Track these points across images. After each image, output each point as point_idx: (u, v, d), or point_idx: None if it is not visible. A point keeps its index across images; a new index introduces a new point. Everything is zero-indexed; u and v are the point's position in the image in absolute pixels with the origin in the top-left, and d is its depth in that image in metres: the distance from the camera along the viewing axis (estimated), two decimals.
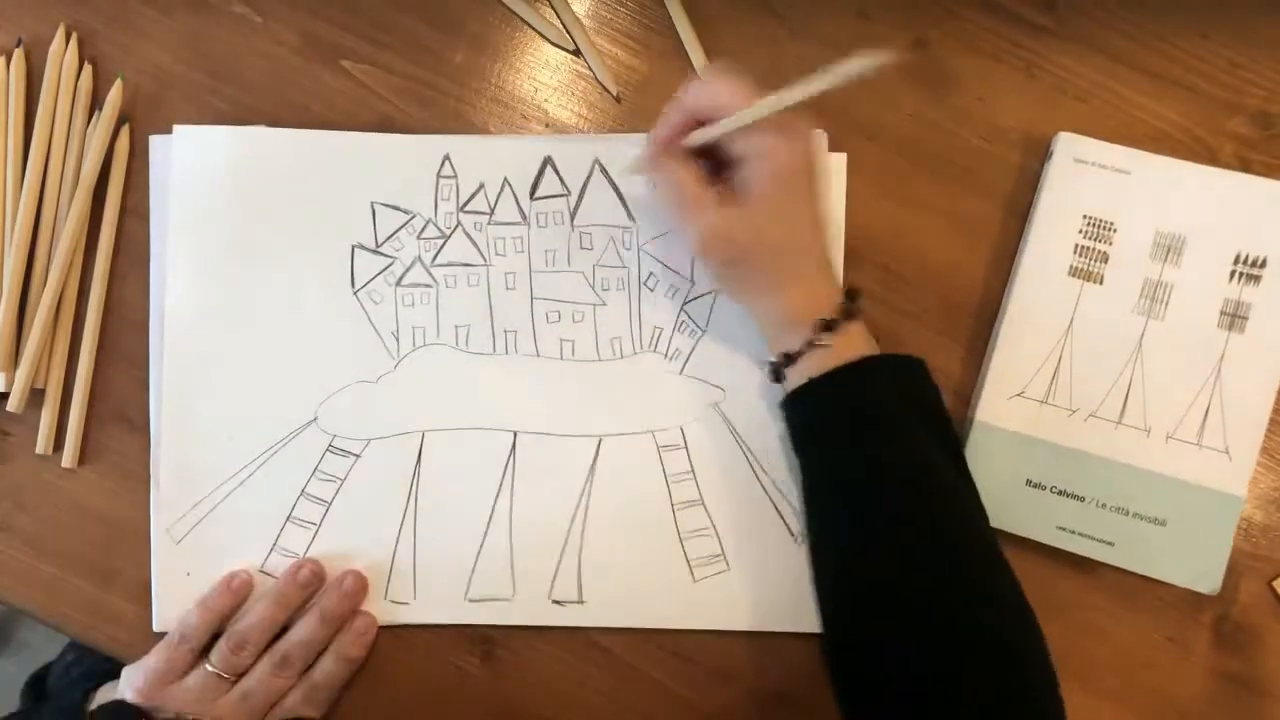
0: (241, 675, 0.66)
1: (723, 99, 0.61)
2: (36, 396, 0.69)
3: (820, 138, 0.70)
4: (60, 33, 0.70)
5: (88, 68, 0.70)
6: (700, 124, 0.63)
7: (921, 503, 0.61)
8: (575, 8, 0.72)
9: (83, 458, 0.70)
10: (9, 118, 0.69)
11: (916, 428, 0.63)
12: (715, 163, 0.64)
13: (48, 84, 0.70)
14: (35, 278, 0.69)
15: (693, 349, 0.70)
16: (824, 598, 0.66)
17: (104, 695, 0.67)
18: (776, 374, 0.65)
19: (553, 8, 0.72)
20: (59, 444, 0.70)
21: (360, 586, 0.68)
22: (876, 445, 0.62)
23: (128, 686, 0.65)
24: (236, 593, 0.68)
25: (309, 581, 0.68)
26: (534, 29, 0.72)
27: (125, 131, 0.70)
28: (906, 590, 0.60)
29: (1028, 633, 0.60)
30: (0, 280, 0.68)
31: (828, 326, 0.62)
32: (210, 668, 0.66)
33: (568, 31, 0.72)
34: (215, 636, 0.67)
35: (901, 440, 0.62)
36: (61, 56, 0.70)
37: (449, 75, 0.72)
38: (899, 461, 0.62)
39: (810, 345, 0.63)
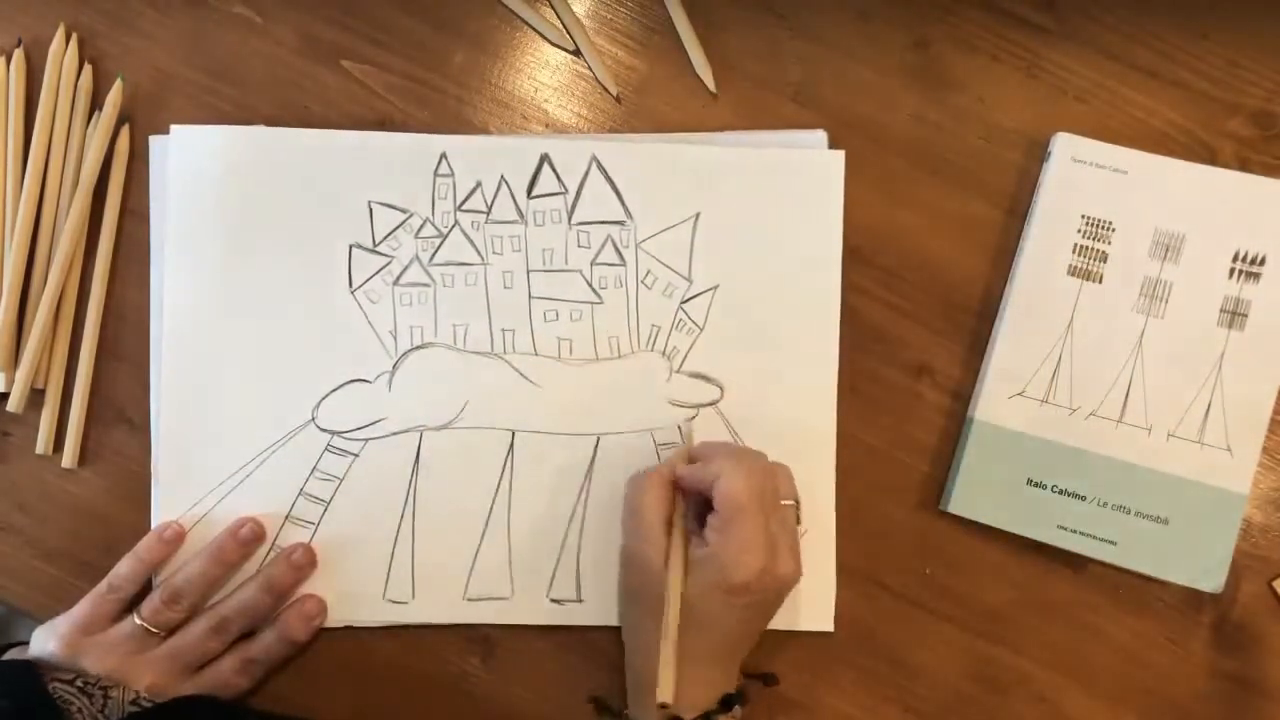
0: (172, 632, 0.65)
1: (735, 487, 0.61)
2: (36, 396, 0.69)
3: (820, 137, 0.71)
4: (60, 33, 0.70)
5: (88, 68, 0.70)
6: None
7: None
8: (575, 8, 0.72)
9: (83, 458, 0.70)
10: (9, 118, 0.69)
11: None
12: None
13: (48, 84, 0.70)
14: (35, 278, 0.69)
15: (691, 347, 0.70)
16: None
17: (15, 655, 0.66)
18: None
19: (553, 8, 0.72)
20: (59, 444, 0.70)
21: (309, 560, 0.68)
22: None
23: (51, 635, 0.64)
24: (169, 543, 0.67)
25: (249, 539, 0.67)
26: (534, 29, 0.72)
27: (125, 132, 0.70)
28: None
29: None
30: (0, 280, 0.69)
31: None
32: (139, 620, 0.65)
33: (568, 31, 0.72)
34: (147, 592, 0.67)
35: None
36: (61, 56, 0.70)
37: (449, 75, 0.72)
38: None
39: None
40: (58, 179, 0.70)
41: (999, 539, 0.69)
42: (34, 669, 0.62)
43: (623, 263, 0.70)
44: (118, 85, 0.70)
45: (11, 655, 0.66)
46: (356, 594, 0.69)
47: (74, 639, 0.64)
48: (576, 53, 0.72)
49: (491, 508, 0.69)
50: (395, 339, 0.70)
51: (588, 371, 0.70)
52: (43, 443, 0.69)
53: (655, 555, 0.62)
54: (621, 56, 0.72)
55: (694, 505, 0.64)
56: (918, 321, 0.71)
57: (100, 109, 0.70)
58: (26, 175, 0.69)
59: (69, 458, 0.70)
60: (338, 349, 0.69)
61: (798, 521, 0.65)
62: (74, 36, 0.71)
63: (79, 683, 0.61)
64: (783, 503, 0.64)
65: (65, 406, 0.70)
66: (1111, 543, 0.68)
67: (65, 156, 0.70)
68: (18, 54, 0.70)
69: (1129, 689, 0.68)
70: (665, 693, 0.58)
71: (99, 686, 0.62)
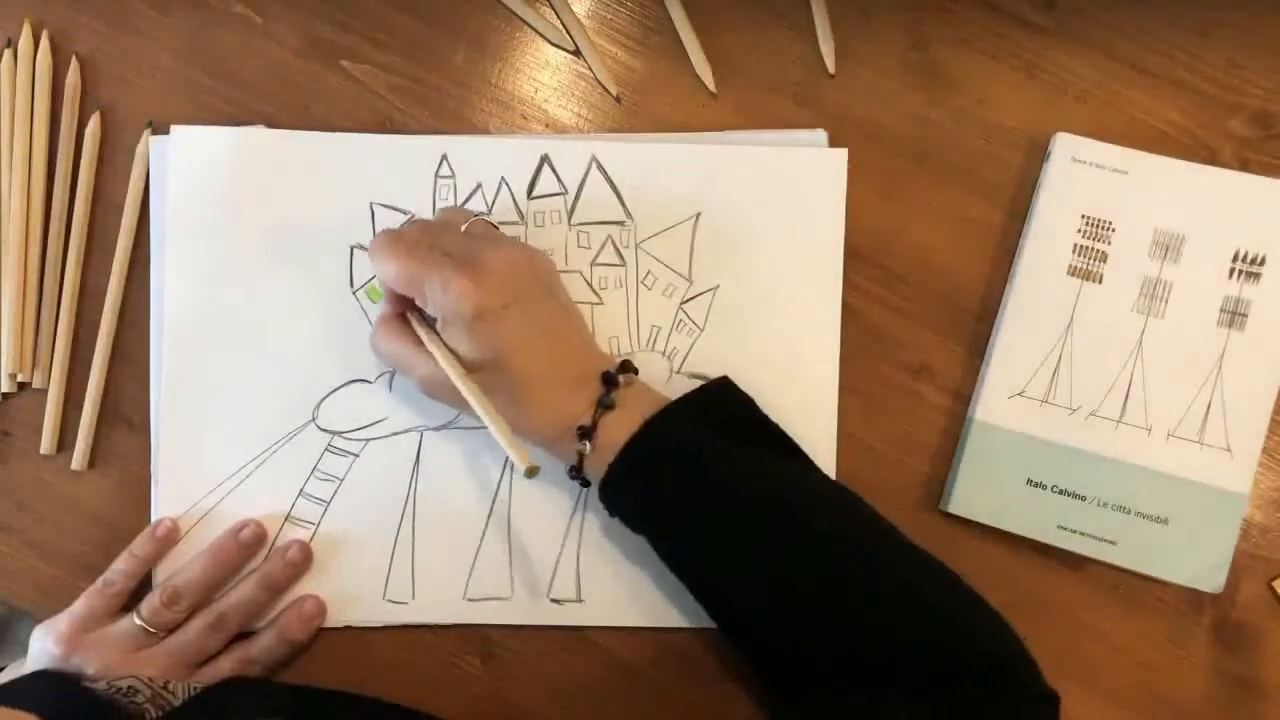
0: (170, 632, 0.66)
1: (399, 284, 0.61)
2: (38, 396, 0.70)
3: (820, 136, 0.71)
4: (27, 33, 0.70)
5: (75, 65, 0.70)
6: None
7: (781, 519, 0.61)
8: (575, 8, 0.72)
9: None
10: (12, 118, 0.69)
11: (720, 453, 0.62)
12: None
13: (40, 85, 0.70)
14: (31, 276, 0.70)
15: (690, 347, 0.70)
16: (743, 644, 0.65)
17: (13, 670, 0.66)
18: (580, 481, 0.64)
19: (553, 8, 0.72)
20: (61, 445, 0.70)
21: (304, 556, 0.68)
22: (693, 499, 0.61)
23: (50, 631, 0.64)
24: (161, 540, 0.68)
25: (250, 542, 0.68)
26: (534, 29, 0.72)
27: (124, 132, 0.71)
28: (829, 611, 0.59)
29: (947, 585, 0.60)
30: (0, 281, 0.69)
31: (584, 434, 0.61)
32: (138, 621, 0.65)
33: (568, 31, 0.72)
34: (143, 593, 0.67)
35: (710, 476, 0.61)
36: (33, 56, 0.70)
37: (449, 75, 0.72)
38: (720, 506, 0.61)
39: (580, 455, 0.61)
40: (45, 176, 0.70)
41: (999, 539, 0.69)
42: (56, 677, 0.62)
43: (623, 263, 0.70)
44: (116, 85, 0.70)
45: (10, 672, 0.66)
46: (356, 594, 0.69)
47: (73, 636, 0.64)
48: (576, 53, 0.72)
49: (491, 507, 0.69)
50: None
51: None
52: (46, 443, 0.70)
53: (428, 366, 0.62)
54: (621, 56, 0.72)
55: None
56: (918, 321, 0.71)
57: (100, 109, 0.70)
58: (30, 178, 0.69)
59: (79, 459, 0.70)
60: (338, 349, 0.69)
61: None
62: (44, 34, 0.71)
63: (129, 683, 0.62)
64: (439, 224, 0.64)
65: (67, 407, 0.70)
66: (1111, 543, 0.67)
67: (63, 157, 0.70)
68: (7, 55, 0.70)
69: (1129, 689, 0.68)
70: (524, 459, 0.58)
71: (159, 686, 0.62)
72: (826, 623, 0.59)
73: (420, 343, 0.62)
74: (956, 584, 0.60)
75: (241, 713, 0.60)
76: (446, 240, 0.62)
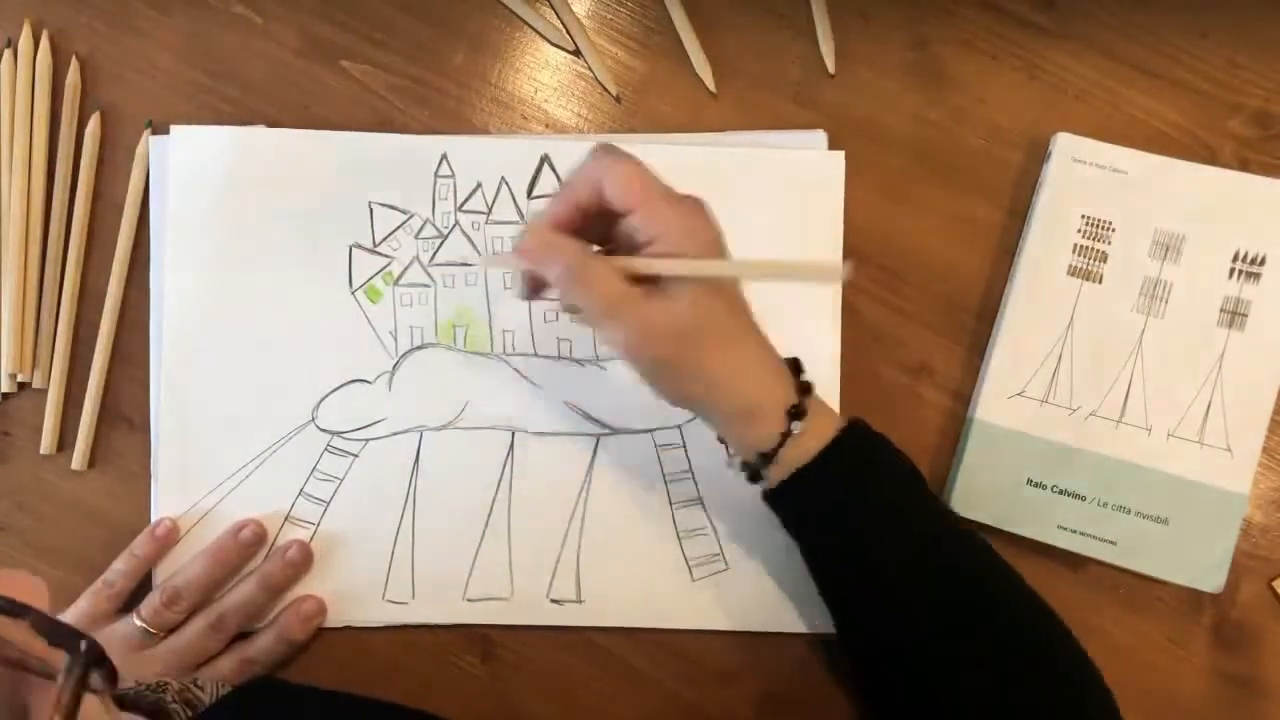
0: (170, 633, 0.66)
1: (632, 191, 0.54)
2: (38, 396, 0.70)
3: (820, 137, 0.71)
4: (27, 33, 0.70)
5: (75, 65, 0.70)
6: (593, 208, 0.55)
7: (951, 564, 0.60)
8: (575, 8, 0.72)
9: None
10: (13, 118, 0.69)
11: (915, 487, 0.62)
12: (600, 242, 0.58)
13: (40, 85, 0.70)
14: (31, 276, 0.70)
15: None
16: (869, 674, 0.64)
17: None
18: (754, 475, 0.60)
19: (553, 8, 0.72)
20: (61, 444, 0.70)
21: (304, 557, 0.68)
22: (884, 517, 0.60)
23: None
24: (160, 540, 0.68)
25: (250, 541, 0.68)
26: (534, 29, 0.72)
27: (124, 132, 0.71)
28: (962, 651, 0.59)
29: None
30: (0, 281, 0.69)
31: (796, 414, 0.57)
32: (139, 621, 0.65)
33: (568, 32, 0.72)
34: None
35: (906, 503, 0.61)
36: (33, 56, 0.70)
37: (449, 75, 0.72)
38: (914, 530, 0.60)
39: (786, 437, 0.57)
40: (45, 176, 0.70)
41: (999, 539, 0.69)
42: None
43: None
44: (115, 84, 0.70)
45: None
46: (356, 594, 0.69)
47: None
48: (576, 53, 0.72)
49: (491, 508, 0.69)
50: (395, 339, 0.70)
51: (587, 372, 0.70)
52: (47, 443, 0.70)
53: (642, 299, 0.54)
54: (621, 56, 0.72)
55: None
56: (918, 321, 0.71)
57: (99, 109, 0.70)
58: (30, 178, 0.69)
59: (79, 459, 0.70)
60: (338, 349, 0.69)
61: None
62: (44, 34, 0.70)
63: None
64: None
65: (67, 406, 0.70)
66: (1111, 543, 0.67)
67: (62, 157, 0.70)
68: (8, 54, 0.70)
69: (1129, 689, 0.68)
70: (845, 266, 0.51)
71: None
72: (958, 667, 0.58)
73: (619, 277, 0.54)
74: (1074, 641, 0.60)
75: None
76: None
